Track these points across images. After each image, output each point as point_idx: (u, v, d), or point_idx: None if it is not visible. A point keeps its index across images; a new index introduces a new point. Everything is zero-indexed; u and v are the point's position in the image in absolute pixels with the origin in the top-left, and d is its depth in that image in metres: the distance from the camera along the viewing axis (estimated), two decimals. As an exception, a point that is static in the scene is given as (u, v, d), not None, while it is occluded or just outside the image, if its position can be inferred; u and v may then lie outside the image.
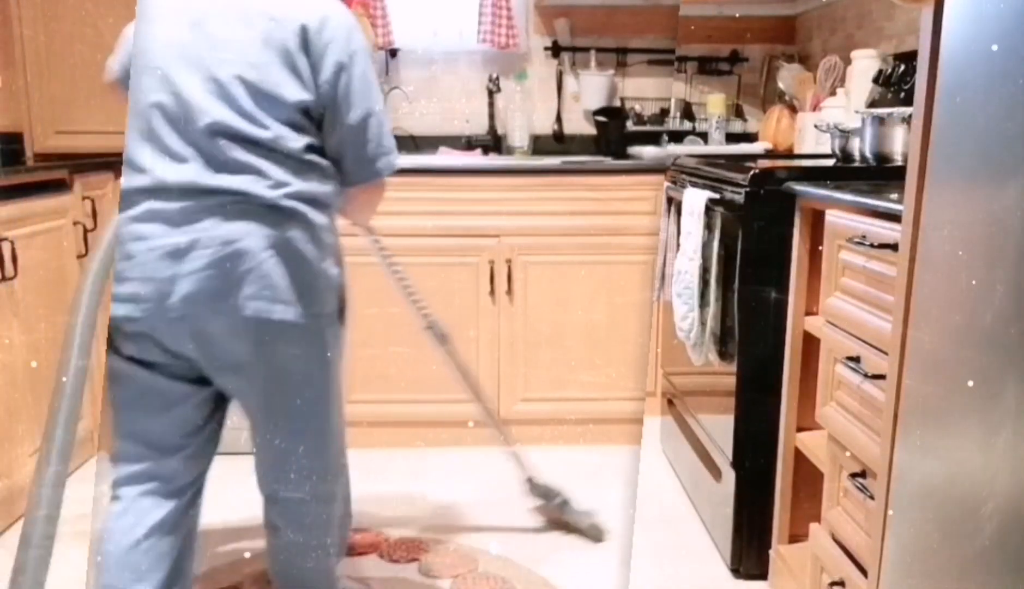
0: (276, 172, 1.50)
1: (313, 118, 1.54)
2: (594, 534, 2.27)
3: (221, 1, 1.52)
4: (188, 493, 1.62)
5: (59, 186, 2.50)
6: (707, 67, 3.36)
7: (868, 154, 2.07)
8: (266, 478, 1.67)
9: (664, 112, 3.34)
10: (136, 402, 1.56)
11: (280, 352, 1.52)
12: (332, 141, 1.58)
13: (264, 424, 1.63)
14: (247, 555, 2.13)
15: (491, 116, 3.29)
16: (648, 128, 3.30)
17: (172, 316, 1.45)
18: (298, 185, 1.51)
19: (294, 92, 1.50)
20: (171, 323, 1.46)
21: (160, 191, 1.45)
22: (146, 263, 1.44)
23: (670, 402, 2.69)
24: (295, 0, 1.53)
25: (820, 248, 1.73)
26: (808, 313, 1.85)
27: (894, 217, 1.35)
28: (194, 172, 1.46)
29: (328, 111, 1.55)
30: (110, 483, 1.62)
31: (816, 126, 2.51)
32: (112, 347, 1.52)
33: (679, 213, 2.27)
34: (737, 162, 2.30)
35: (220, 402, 1.63)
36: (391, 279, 2.21)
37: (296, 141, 1.51)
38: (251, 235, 1.46)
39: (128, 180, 1.48)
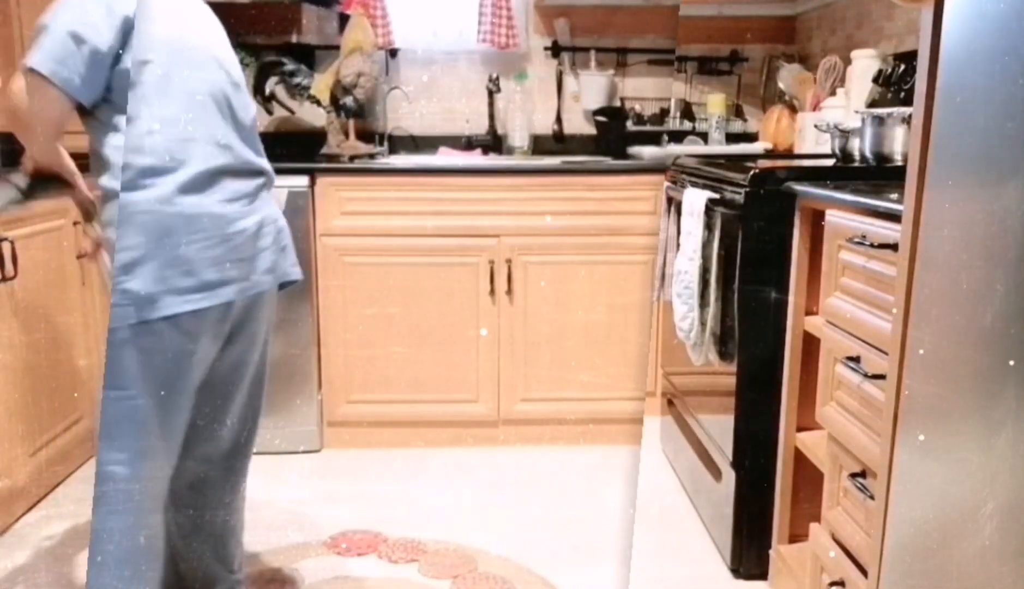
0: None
1: None
2: None
3: (198, 11, 1.66)
4: None
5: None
6: (707, 67, 3.36)
7: (868, 154, 2.07)
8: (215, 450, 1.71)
9: (664, 112, 3.34)
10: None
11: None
12: None
13: (238, 395, 1.70)
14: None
15: (491, 116, 3.29)
16: (648, 128, 3.30)
17: (253, 292, 1.59)
18: None
19: None
20: (251, 299, 1.60)
21: (228, 172, 1.55)
22: (261, 245, 1.59)
23: (670, 402, 2.69)
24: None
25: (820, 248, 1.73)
26: (808, 313, 1.85)
27: (894, 217, 1.35)
28: (242, 156, 1.59)
29: None
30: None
31: (816, 126, 2.51)
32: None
33: (679, 213, 2.27)
34: (737, 162, 2.30)
35: None
36: None
37: None
38: (279, 213, 1.66)
39: (199, 161, 1.50)
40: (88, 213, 1.71)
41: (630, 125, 3.29)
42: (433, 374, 2.79)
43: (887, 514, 1.17)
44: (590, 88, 3.29)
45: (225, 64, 1.61)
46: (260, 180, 1.61)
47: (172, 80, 1.50)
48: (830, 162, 2.33)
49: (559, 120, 3.34)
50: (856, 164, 2.19)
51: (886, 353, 1.26)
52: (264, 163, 1.63)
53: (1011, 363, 0.90)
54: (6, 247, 2.18)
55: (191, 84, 1.52)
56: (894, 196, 1.43)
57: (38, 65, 1.42)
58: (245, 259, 1.54)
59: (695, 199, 2.13)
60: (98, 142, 1.51)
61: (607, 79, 3.30)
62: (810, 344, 1.82)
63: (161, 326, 1.45)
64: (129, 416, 1.48)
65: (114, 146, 1.48)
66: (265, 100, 3.07)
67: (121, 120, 1.48)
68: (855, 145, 2.19)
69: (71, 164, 1.66)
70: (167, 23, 1.55)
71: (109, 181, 1.48)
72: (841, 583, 1.55)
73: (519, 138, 3.29)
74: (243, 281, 1.54)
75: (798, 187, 1.83)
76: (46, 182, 1.66)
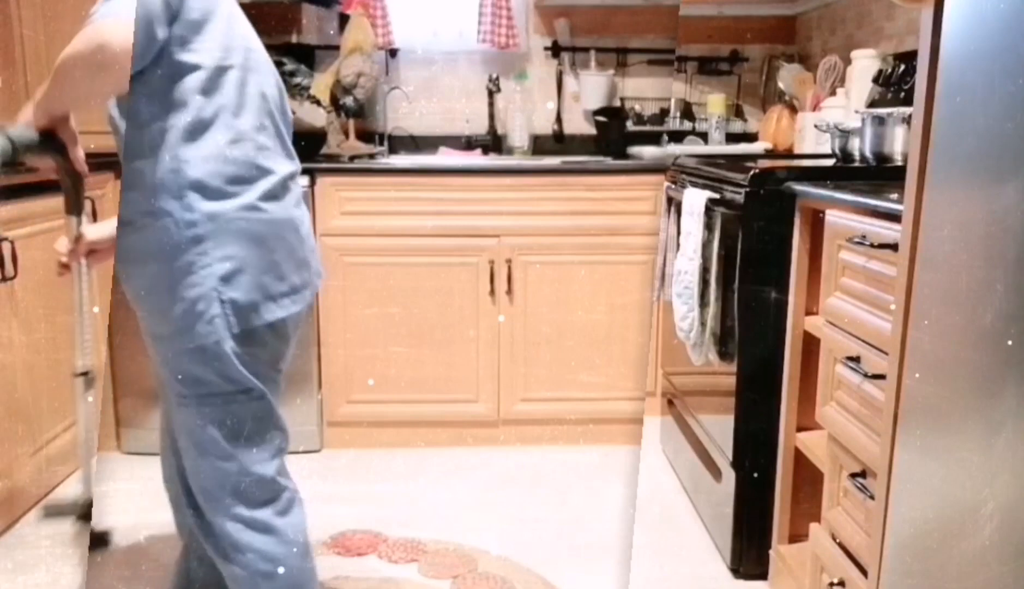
0: None
1: None
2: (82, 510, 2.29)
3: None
4: None
5: (59, 186, 2.49)
6: (707, 67, 3.36)
7: (868, 154, 2.07)
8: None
9: (664, 112, 3.34)
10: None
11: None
12: None
13: None
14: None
15: (491, 116, 3.29)
16: (648, 128, 3.30)
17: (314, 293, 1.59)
18: None
19: None
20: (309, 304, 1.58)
21: (292, 177, 1.54)
22: (309, 248, 1.57)
23: (670, 402, 2.69)
24: None
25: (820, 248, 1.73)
26: (808, 313, 1.85)
27: (894, 217, 1.35)
28: (298, 161, 1.58)
29: None
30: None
31: (816, 126, 2.51)
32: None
33: (679, 213, 2.27)
34: (737, 162, 2.30)
35: None
36: None
37: None
38: None
39: (275, 168, 1.48)
40: (73, 197, 1.62)
41: (630, 125, 3.30)
42: (433, 374, 2.79)
43: (887, 514, 1.17)
44: (590, 88, 3.29)
45: (271, 66, 1.57)
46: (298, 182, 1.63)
47: (247, 87, 1.46)
48: (830, 162, 2.33)
49: (559, 120, 3.34)
50: (856, 164, 2.19)
51: (886, 353, 1.26)
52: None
53: (1011, 363, 0.90)
54: (6, 247, 2.18)
55: (261, 91, 1.49)
56: (894, 196, 1.43)
57: (110, 14, 1.35)
58: (307, 262, 1.55)
59: (695, 199, 2.13)
60: (136, 158, 1.43)
61: (607, 79, 3.30)
62: (810, 344, 1.82)
63: (263, 331, 1.46)
64: (264, 416, 1.52)
65: (155, 163, 1.39)
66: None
67: (166, 130, 1.39)
68: (855, 145, 2.19)
69: (74, 127, 1.55)
70: (240, 25, 1.50)
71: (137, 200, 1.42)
72: (841, 583, 1.55)
73: (519, 138, 3.29)
74: (311, 284, 1.56)
75: (798, 187, 1.83)
76: (42, 143, 1.49)
